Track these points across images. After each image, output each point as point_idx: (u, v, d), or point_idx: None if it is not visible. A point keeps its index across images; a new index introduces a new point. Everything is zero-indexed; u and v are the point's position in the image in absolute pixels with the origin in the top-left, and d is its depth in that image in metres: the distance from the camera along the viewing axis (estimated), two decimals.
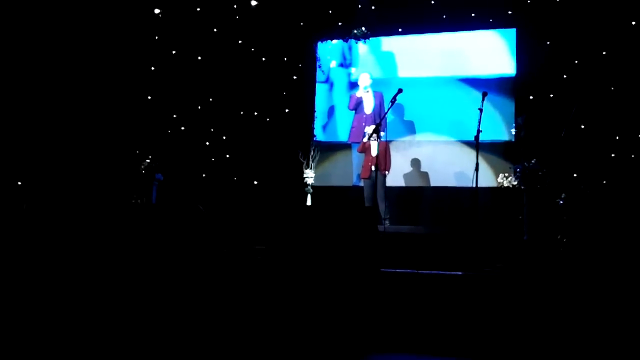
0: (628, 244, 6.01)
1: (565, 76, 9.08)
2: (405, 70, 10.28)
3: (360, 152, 9.26)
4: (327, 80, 10.77)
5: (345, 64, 10.74)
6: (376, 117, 9.39)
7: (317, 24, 10.48)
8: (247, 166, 10.36)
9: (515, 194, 8.53)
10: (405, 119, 10.21)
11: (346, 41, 10.42)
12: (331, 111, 10.72)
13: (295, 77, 10.54)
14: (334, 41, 10.59)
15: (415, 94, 9.85)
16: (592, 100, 8.69)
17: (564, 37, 9.10)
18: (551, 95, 9.11)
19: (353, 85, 10.33)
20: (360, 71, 10.20)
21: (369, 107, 9.62)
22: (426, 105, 10.07)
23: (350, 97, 9.86)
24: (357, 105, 9.70)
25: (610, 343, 4.50)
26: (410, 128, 10.20)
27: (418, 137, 10.12)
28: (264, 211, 7.05)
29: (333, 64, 10.72)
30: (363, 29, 10.24)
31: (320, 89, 10.73)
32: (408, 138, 10.14)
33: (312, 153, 10.10)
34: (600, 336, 4.54)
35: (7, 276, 5.67)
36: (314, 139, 10.35)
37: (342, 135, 10.40)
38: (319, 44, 10.64)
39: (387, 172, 9.05)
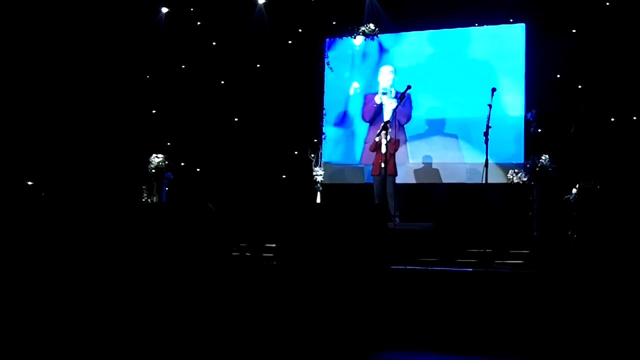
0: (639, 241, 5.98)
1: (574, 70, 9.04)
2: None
3: (373, 151, 9.01)
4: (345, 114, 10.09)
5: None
6: (401, 119, 8.15)
7: (326, 20, 10.45)
8: (257, 164, 10.37)
9: (525, 190, 8.51)
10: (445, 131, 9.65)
11: (354, 38, 10.36)
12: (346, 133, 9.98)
13: (304, 74, 10.52)
14: (357, 40, 10.25)
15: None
16: (602, 96, 8.64)
17: (574, 31, 9.07)
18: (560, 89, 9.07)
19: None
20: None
21: (390, 113, 8.61)
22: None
23: (365, 100, 9.29)
24: (375, 116, 8.91)
25: (619, 338, 4.49)
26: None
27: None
28: (274, 209, 7.06)
29: (355, 86, 9.65)
30: (371, 26, 10.18)
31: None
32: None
33: (321, 150, 10.08)
34: (609, 333, 4.53)
35: (18, 273, 5.72)
36: (323, 138, 10.29)
37: (357, 155, 10.00)
38: (331, 47, 10.49)
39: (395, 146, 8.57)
